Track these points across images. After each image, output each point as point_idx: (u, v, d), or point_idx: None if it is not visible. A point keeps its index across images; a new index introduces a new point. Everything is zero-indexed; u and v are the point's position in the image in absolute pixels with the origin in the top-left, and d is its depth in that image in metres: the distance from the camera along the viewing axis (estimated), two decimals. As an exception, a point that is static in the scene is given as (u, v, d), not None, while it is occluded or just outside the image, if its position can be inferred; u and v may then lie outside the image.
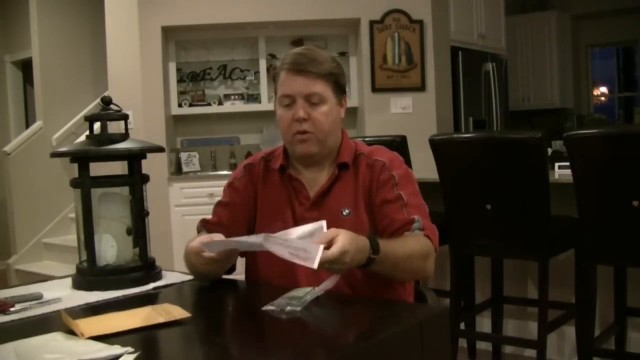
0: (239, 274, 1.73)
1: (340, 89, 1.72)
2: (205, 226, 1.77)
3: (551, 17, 7.09)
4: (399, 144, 3.20)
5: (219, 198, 1.81)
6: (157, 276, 1.71)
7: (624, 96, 8.12)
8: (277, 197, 1.73)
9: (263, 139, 5.26)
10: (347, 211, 1.67)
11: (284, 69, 1.68)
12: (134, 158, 1.71)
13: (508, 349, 3.43)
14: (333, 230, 1.40)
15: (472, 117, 5.44)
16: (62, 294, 1.57)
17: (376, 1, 4.95)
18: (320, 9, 4.94)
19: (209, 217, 1.79)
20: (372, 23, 4.95)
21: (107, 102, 1.72)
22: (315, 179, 1.73)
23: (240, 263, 1.72)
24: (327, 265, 1.35)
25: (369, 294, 1.59)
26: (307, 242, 1.35)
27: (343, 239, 1.38)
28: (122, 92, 4.72)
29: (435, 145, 2.94)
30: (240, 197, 1.76)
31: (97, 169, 1.70)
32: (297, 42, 5.17)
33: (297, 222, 1.68)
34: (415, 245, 1.58)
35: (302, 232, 1.42)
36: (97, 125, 1.73)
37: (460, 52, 5.38)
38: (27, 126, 6.77)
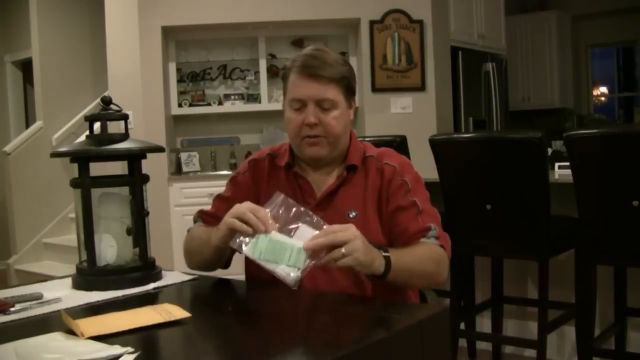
0: (238, 274, 1.73)
1: (350, 91, 1.69)
2: (201, 217, 1.78)
3: (551, 17, 7.10)
4: (399, 144, 3.19)
5: (220, 191, 1.81)
6: (157, 276, 1.71)
7: (624, 96, 8.12)
8: None
9: (263, 139, 5.26)
10: (353, 213, 1.66)
11: (294, 71, 1.64)
12: (134, 158, 1.71)
13: (508, 349, 3.43)
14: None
15: (472, 117, 5.44)
16: (62, 294, 1.57)
17: (376, 1, 4.96)
18: (320, 9, 4.94)
19: (207, 207, 1.79)
20: (372, 23, 4.96)
21: (107, 102, 1.72)
22: (323, 179, 1.72)
23: (239, 263, 1.72)
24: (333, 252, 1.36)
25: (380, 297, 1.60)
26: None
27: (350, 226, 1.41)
28: (122, 92, 4.73)
29: (435, 145, 2.94)
30: (241, 192, 1.75)
31: (97, 169, 1.70)
32: (297, 42, 5.17)
33: None
34: (424, 250, 1.58)
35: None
36: (97, 125, 1.73)
37: (460, 52, 5.38)
38: (27, 126, 6.77)
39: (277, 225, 1.43)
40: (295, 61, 1.65)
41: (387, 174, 1.68)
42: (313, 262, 1.36)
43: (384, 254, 1.46)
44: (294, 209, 1.45)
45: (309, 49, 1.69)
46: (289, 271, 1.36)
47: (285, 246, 1.38)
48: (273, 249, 1.39)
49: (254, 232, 1.42)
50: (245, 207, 1.46)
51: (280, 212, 1.46)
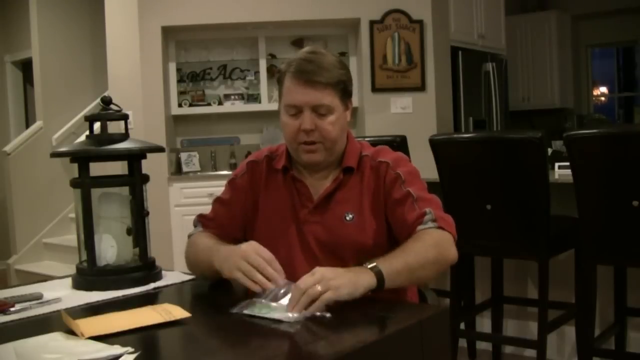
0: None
1: (347, 94, 1.67)
2: (201, 221, 1.77)
3: (551, 17, 7.10)
4: (399, 144, 3.19)
5: (219, 193, 1.81)
6: (157, 276, 1.71)
7: (624, 96, 8.13)
8: (279, 199, 1.71)
9: (263, 139, 5.26)
10: (350, 216, 1.65)
11: (289, 76, 1.61)
12: (134, 158, 1.71)
13: (508, 349, 3.43)
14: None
15: (472, 117, 5.44)
16: (62, 294, 1.57)
17: (376, 1, 4.96)
18: (320, 9, 4.94)
19: (207, 212, 1.79)
20: (372, 23, 4.96)
21: (107, 102, 1.72)
22: (320, 182, 1.71)
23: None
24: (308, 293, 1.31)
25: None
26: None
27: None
28: (122, 92, 4.73)
29: (435, 145, 2.94)
30: (239, 195, 1.75)
31: (97, 169, 1.70)
32: (297, 42, 5.17)
33: (299, 225, 1.67)
34: (418, 240, 1.53)
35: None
36: (97, 125, 1.73)
37: (460, 52, 5.38)
38: (27, 126, 6.78)
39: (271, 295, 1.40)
40: (291, 65, 1.62)
41: (381, 171, 1.67)
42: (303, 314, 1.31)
43: (368, 266, 1.42)
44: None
45: (305, 51, 1.66)
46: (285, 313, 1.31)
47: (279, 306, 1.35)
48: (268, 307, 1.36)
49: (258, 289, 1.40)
50: (251, 266, 1.42)
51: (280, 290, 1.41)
